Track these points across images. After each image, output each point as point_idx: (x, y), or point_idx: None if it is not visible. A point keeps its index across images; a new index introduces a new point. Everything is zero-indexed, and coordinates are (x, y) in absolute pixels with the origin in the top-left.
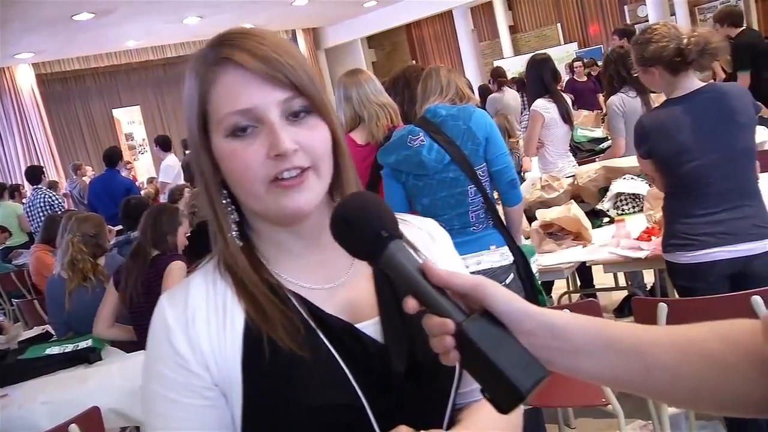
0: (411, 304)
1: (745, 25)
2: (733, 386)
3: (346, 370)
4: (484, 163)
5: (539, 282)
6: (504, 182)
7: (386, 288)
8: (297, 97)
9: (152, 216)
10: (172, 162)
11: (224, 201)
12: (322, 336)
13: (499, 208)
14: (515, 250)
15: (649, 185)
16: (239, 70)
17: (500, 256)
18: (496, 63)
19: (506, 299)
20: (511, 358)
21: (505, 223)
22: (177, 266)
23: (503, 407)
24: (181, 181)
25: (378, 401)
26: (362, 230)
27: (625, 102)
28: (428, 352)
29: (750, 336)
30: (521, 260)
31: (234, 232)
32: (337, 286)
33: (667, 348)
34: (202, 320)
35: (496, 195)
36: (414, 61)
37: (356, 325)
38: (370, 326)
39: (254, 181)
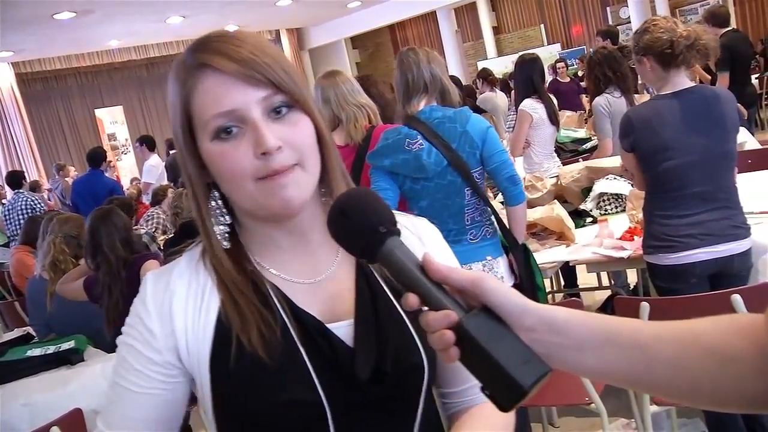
0: (412, 301)
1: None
2: (734, 380)
3: (311, 368)
4: (480, 167)
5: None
6: (503, 178)
7: (365, 290)
8: (276, 94)
9: (110, 226)
10: (156, 162)
11: (213, 203)
12: (293, 332)
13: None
14: (514, 247)
15: (631, 184)
16: (217, 74)
17: (494, 276)
18: (480, 64)
19: (506, 295)
20: (511, 353)
21: (506, 224)
22: (153, 266)
23: (504, 404)
24: (165, 182)
25: (340, 401)
26: (360, 226)
27: (610, 102)
28: (398, 358)
29: (750, 331)
30: (521, 257)
31: (222, 232)
32: (318, 282)
33: (668, 342)
34: (179, 304)
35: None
36: None
37: (329, 325)
38: (343, 327)
39: (244, 180)
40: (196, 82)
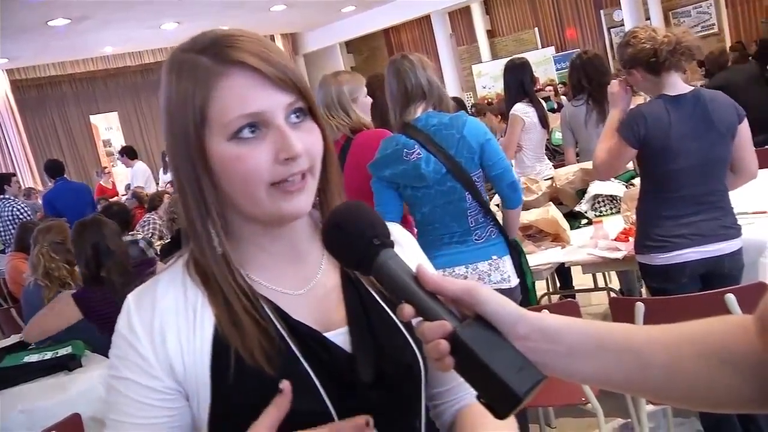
0: (407, 312)
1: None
2: (727, 382)
3: (315, 379)
4: (480, 170)
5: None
6: (505, 185)
7: (355, 297)
8: (299, 101)
9: (108, 229)
10: (143, 167)
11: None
12: (291, 343)
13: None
14: (512, 250)
15: (626, 186)
16: (251, 73)
17: (500, 276)
18: (474, 67)
19: (499, 303)
20: (506, 361)
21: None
22: None
23: (500, 412)
24: (153, 186)
25: (345, 408)
26: (355, 238)
27: (573, 112)
28: (395, 361)
29: (742, 333)
30: (515, 257)
31: (217, 238)
32: (308, 291)
33: (662, 346)
34: (170, 324)
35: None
36: None
37: (325, 334)
38: (339, 335)
39: (258, 185)
40: (221, 80)
